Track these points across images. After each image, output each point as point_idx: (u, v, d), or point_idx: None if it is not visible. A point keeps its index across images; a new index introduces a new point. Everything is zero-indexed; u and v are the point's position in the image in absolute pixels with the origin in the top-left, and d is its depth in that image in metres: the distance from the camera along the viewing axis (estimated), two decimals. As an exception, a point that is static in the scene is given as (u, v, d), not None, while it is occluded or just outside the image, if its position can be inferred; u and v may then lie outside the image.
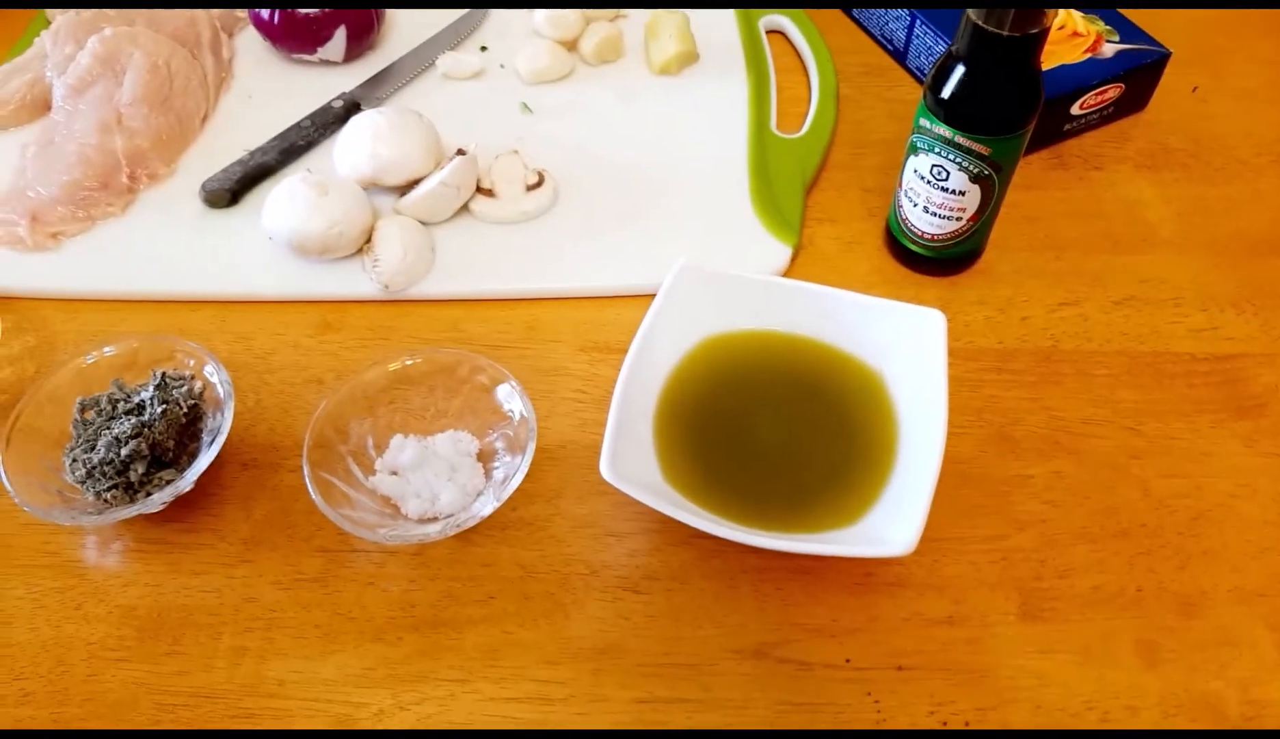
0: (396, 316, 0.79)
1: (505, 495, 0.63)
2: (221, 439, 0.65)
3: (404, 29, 1.00)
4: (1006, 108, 0.69)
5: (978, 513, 0.68)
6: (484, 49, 0.96)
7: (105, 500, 0.65)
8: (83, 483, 0.65)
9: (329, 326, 0.78)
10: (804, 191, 0.85)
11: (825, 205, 0.86)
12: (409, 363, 0.71)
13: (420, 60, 0.94)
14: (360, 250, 0.79)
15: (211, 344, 0.76)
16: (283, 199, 0.77)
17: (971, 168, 0.71)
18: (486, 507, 0.63)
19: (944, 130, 0.71)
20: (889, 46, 0.99)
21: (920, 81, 0.96)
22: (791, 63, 1.00)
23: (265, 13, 0.91)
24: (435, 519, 0.66)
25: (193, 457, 0.68)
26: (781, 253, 0.81)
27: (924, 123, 0.72)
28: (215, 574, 0.66)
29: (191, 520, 0.68)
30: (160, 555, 0.67)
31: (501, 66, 0.95)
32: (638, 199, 0.84)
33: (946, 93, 0.70)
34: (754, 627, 0.64)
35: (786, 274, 0.80)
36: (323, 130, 0.88)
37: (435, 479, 0.67)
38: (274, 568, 0.66)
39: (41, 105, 0.91)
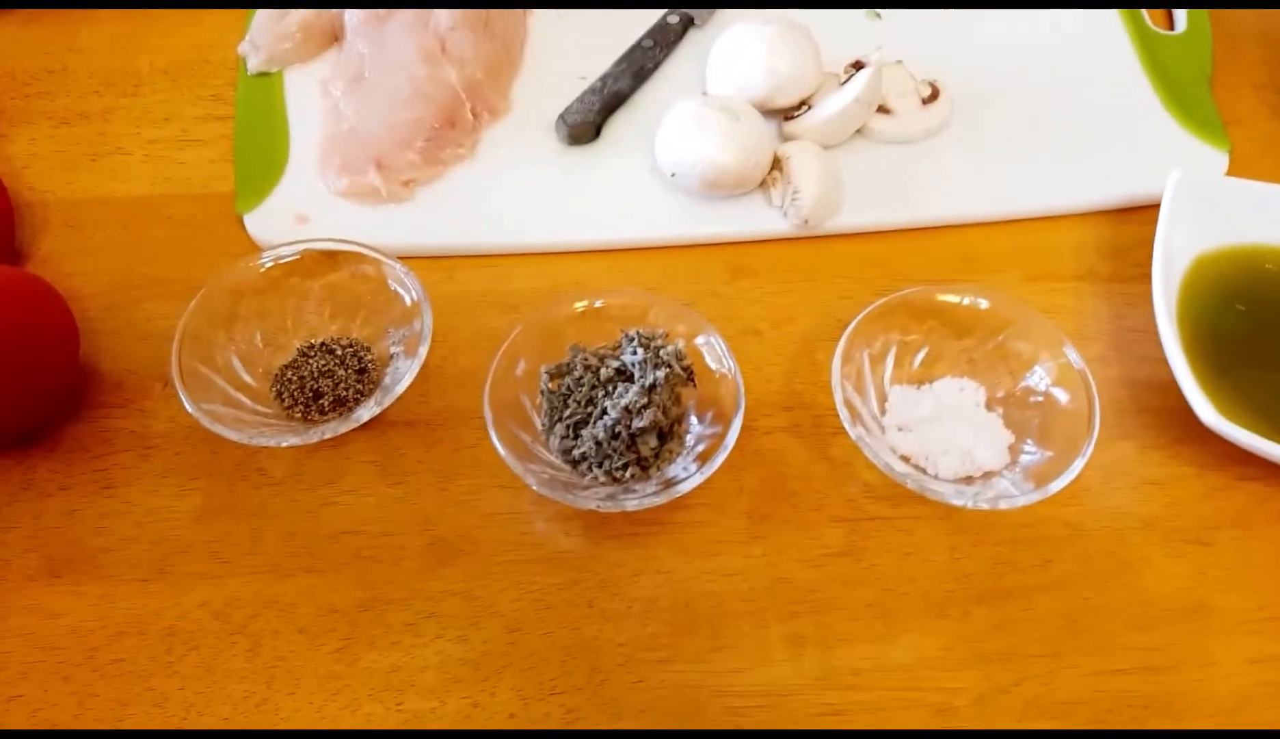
0: (815, 255, 0.70)
1: (1088, 452, 0.55)
2: (742, 408, 0.57)
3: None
4: None
5: None
6: (801, -48, 0.85)
7: (616, 478, 0.56)
8: (584, 461, 0.57)
9: (743, 271, 0.70)
10: (1210, 92, 0.77)
11: (1223, 107, 0.78)
12: (882, 302, 0.63)
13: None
14: (763, 183, 0.70)
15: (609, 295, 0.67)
16: (687, 129, 0.68)
17: None
18: (1075, 465, 0.55)
19: None
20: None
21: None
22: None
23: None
24: (971, 479, 0.58)
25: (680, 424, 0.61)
26: (1217, 159, 0.73)
27: None
28: (731, 555, 0.58)
29: (679, 497, 0.59)
30: (659, 538, 0.59)
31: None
32: (1034, 108, 0.77)
33: None
34: (1344, 572, 0.58)
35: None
36: (665, 50, 0.78)
37: (959, 434, 0.59)
38: (793, 544, 0.59)
39: (326, 36, 0.80)
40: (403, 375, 0.60)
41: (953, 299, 0.62)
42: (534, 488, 0.55)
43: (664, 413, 0.57)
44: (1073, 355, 0.59)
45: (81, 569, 0.58)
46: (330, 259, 0.64)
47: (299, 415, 0.61)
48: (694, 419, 0.60)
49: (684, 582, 0.58)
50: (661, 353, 0.58)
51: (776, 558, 0.59)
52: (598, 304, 0.62)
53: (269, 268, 0.64)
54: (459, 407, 0.64)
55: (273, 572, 0.58)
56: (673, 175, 0.69)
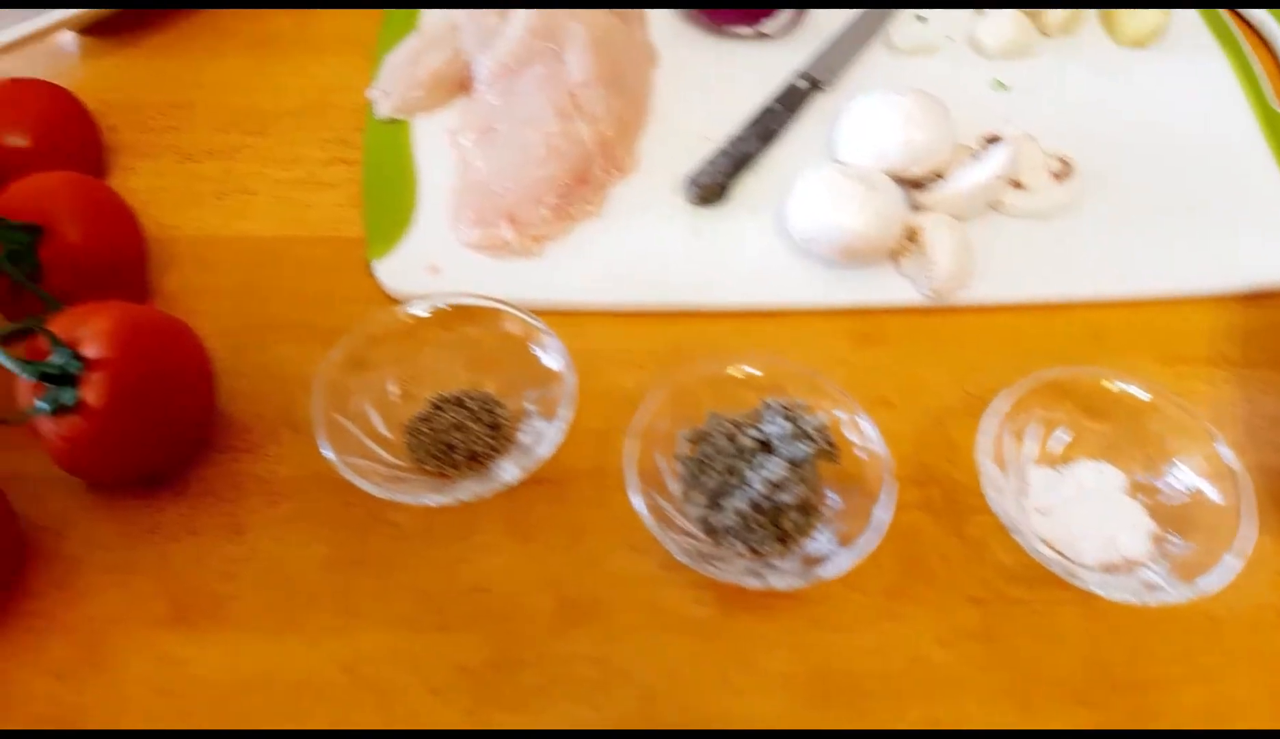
0: (943, 326, 0.70)
1: (1246, 551, 0.54)
2: (892, 492, 0.56)
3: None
4: None
5: None
6: (921, 19, 0.85)
7: (758, 552, 0.56)
8: (724, 532, 0.56)
9: (869, 338, 0.69)
10: (1337, 178, 0.76)
11: (1351, 192, 0.77)
12: (1028, 381, 0.63)
13: (860, 32, 0.84)
14: (893, 251, 0.69)
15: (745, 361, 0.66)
16: (823, 197, 0.68)
17: None
18: (1231, 563, 0.54)
19: None
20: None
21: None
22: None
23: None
24: (1112, 567, 0.57)
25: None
26: (1346, 247, 0.72)
27: None
28: (866, 631, 0.58)
29: (816, 572, 0.58)
30: (794, 611, 0.58)
31: (949, 38, 0.84)
32: (1162, 188, 0.76)
33: None
34: None
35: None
36: (791, 113, 0.78)
37: (1101, 520, 0.58)
38: (928, 622, 0.58)
39: (454, 86, 0.80)
40: (542, 434, 0.59)
41: (1102, 382, 0.61)
42: (678, 558, 0.54)
43: (809, 488, 0.56)
44: (1223, 450, 0.58)
45: (209, 616, 0.58)
46: (466, 313, 0.64)
47: (432, 469, 0.61)
48: (831, 493, 0.59)
49: (819, 658, 0.57)
50: (804, 425, 0.58)
51: (913, 637, 0.58)
52: (745, 370, 0.62)
53: (410, 318, 0.63)
54: (587, 465, 0.63)
55: (403, 627, 0.58)
56: (806, 242, 0.69)
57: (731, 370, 0.63)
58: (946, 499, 0.62)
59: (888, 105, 0.72)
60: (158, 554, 0.60)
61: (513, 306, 0.63)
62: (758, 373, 0.62)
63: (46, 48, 0.85)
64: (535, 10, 0.78)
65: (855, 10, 0.86)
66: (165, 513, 0.62)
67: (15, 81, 0.72)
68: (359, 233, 0.74)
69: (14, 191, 0.64)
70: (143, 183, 0.77)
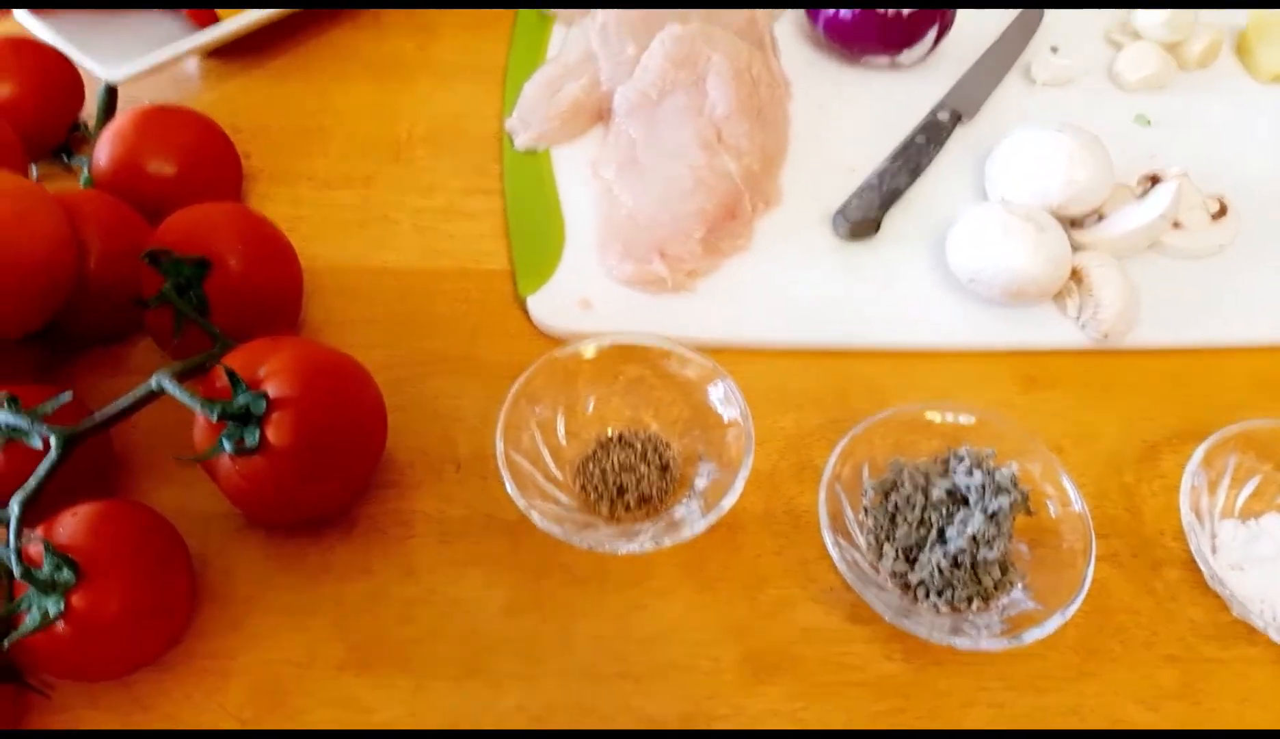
0: (1107, 369, 0.69)
1: None
2: (1094, 552, 0.54)
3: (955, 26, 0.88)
4: None
5: None
6: (1054, 50, 0.84)
7: (957, 609, 0.54)
8: (921, 587, 0.55)
9: (1036, 382, 0.68)
10: None
11: None
12: (1227, 432, 0.62)
13: (998, 62, 0.83)
14: (1057, 293, 0.68)
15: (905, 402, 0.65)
16: (991, 236, 0.67)
17: None
18: None
19: None
20: None
21: None
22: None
23: (845, 12, 0.79)
24: (1313, 625, 0.56)
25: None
26: None
27: None
28: (1063, 693, 0.57)
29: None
30: (985, 668, 0.57)
31: (1086, 71, 0.83)
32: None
33: None
34: None
35: None
36: (937, 146, 0.76)
37: (1293, 576, 0.56)
38: (1126, 683, 0.57)
39: (591, 116, 0.79)
40: (712, 477, 0.60)
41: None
42: (887, 618, 0.53)
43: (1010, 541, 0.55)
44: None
45: (391, 661, 0.57)
46: (628, 350, 0.63)
47: (605, 511, 0.60)
48: (1020, 545, 0.58)
49: (1017, 719, 0.56)
50: (998, 477, 0.56)
51: (1111, 698, 0.56)
52: (926, 416, 0.62)
53: (580, 356, 0.62)
54: (757, 510, 0.62)
55: (586, 676, 0.56)
56: (970, 281, 0.68)
57: (909, 415, 0.62)
58: (1131, 552, 0.61)
59: (1049, 143, 0.71)
60: (332, 596, 0.59)
61: (684, 346, 0.61)
62: (939, 418, 0.60)
63: (171, 72, 0.83)
64: (674, 39, 0.76)
65: (991, 41, 0.84)
66: (335, 553, 0.60)
67: (161, 108, 0.71)
68: (504, 265, 0.73)
69: (175, 222, 0.63)
70: (281, 210, 0.76)
